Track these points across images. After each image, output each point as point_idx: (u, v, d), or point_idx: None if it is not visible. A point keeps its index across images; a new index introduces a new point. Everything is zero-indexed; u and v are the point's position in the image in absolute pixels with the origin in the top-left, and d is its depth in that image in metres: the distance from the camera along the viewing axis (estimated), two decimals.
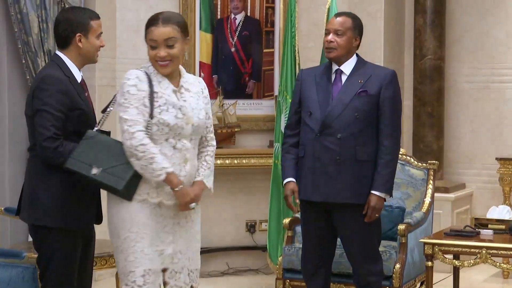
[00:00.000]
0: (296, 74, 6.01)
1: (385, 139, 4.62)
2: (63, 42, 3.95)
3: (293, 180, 4.72)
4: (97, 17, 4.02)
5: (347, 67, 4.69)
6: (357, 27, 4.71)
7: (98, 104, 4.03)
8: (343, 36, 4.64)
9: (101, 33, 4.00)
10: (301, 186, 4.70)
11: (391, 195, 4.74)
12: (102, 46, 4.02)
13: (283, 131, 6.06)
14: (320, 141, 4.61)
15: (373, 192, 4.60)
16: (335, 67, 4.70)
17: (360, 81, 4.64)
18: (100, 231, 4.33)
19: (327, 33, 4.69)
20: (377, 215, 4.64)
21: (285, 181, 4.76)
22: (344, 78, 4.68)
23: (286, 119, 5.19)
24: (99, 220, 4.09)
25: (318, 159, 4.61)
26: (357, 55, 4.74)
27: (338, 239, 4.84)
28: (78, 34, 3.92)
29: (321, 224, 4.73)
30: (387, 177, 4.64)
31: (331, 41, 4.64)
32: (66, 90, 3.83)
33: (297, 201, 4.73)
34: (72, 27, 3.92)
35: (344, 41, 4.64)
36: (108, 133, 3.93)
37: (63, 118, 3.80)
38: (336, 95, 4.63)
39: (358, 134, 4.60)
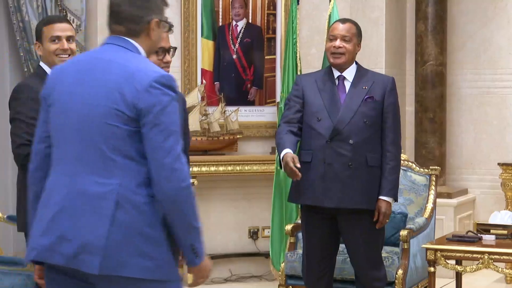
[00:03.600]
0: None
1: (390, 145, 4.65)
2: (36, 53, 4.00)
3: (291, 150, 4.47)
4: (49, 21, 3.98)
5: (349, 73, 4.71)
6: (360, 34, 4.75)
7: None
8: (350, 42, 4.68)
9: (57, 36, 3.90)
10: (308, 191, 4.66)
11: (396, 200, 4.77)
12: (62, 49, 3.91)
13: None
14: (331, 147, 4.59)
15: (382, 197, 4.62)
16: (336, 73, 4.71)
17: (364, 88, 4.66)
18: None
19: (332, 39, 4.69)
20: (387, 220, 4.66)
21: (283, 152, 4.45)
22: (347, 84, 4.70)
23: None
24: None
25: (330, 165, 4.58)
26: (356, 62, 4.76)
27: (341, 245, 4.85)
28: (35, 42, 3.96)
29: (325, 230, 4.73)
30: (394, 182, 4.67)
31: (340, 47, 4.65)
32: (38, 97, 3.82)
33: (298, 165, 4.37)
34: (34, 38, 3.95)
35: (351, 47, 4.68)
36: None
37: (36, 124, 3.79)
38: (343, 101, 4.65)
39: (368, 140, 4.62)
